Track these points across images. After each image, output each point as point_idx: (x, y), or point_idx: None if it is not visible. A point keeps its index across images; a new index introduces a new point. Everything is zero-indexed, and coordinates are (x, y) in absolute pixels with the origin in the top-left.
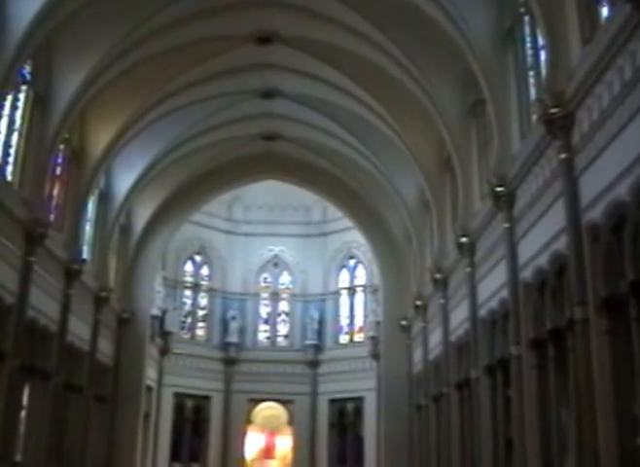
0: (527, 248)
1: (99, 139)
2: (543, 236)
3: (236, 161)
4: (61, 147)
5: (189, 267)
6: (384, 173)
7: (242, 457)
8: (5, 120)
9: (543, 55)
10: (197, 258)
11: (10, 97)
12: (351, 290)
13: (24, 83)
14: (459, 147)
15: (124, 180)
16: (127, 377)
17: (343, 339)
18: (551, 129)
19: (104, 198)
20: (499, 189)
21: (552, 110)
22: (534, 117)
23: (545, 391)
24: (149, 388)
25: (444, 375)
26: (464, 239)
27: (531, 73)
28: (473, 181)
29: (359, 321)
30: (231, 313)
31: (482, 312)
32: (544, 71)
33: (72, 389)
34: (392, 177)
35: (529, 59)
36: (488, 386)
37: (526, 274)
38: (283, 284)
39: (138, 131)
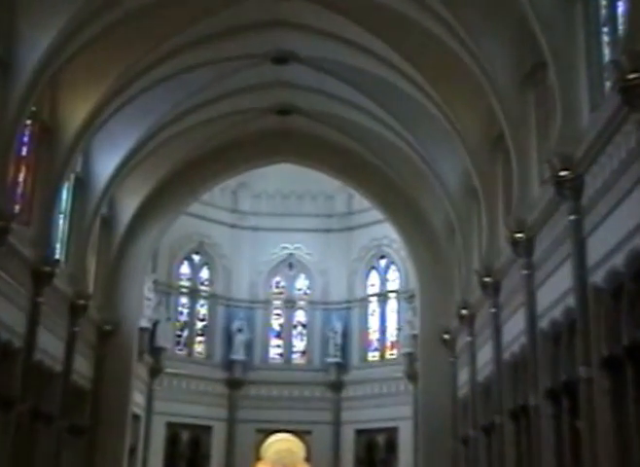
0: (599, 246)
1: (74, 113)
2: (618, 232)
3: (243, 141)
4: (28, 123)
5: (185, 268)
6: (422, 154)
7: None
8: None
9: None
10: (196, 258)
11: None
12: (382, 297)
13: None
14: (514, 122)
15: (105, 163)
16: (110, 403)
17: (373, 356)
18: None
19: (81, 185)
20: (563, 173)
21: (631, 76)
22: (608, 83)
23: (622, 422)
24: (136, 417)
25: (497, 400)
26: (519, 235)
27: (605, 29)
28: (530, 163)
29: (391, 335)
30: (236, 325)
31: (543, 324)
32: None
33: (40, 418)
34: (431, 159)
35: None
36: (551, 415)
37: (597, 278)
38: (299, 290)
39: (123, 104)
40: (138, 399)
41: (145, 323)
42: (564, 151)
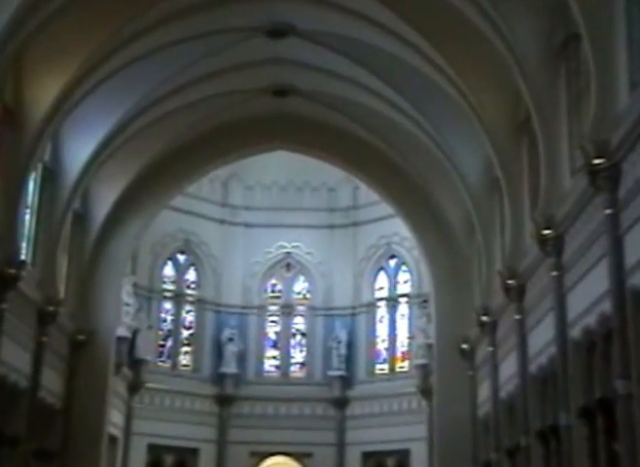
0: (638, 244)
1: (42, 94)
2: None
3: (234, 126)
4: None
5: (169, 270)
6: (437, 140)
7: None
8: None
9: None
10: (181, 258)
11: None
12: (392, 301)
13: None
14: (542, 102)
15: (77, 151)
16: (83, 423)
17: (381, 368)
18: None
19: (50, 177)
20: (598, 161)
21: None
22: None
23: None
24: (113, 439)
25: (523, 419)
26: (548, 232)
27: None
28: (561, 150)
29: (402, 344)
30: (226, 334)
31: (575, 333)
32: None
33: (3, 441)
34: (448, 146)
35: None
36: (585, 436)
37: (636, 280)
38: (298, 294)
39: (97, 84)
40: (115, 418)
41: (123, 332)
42: (599, 136)
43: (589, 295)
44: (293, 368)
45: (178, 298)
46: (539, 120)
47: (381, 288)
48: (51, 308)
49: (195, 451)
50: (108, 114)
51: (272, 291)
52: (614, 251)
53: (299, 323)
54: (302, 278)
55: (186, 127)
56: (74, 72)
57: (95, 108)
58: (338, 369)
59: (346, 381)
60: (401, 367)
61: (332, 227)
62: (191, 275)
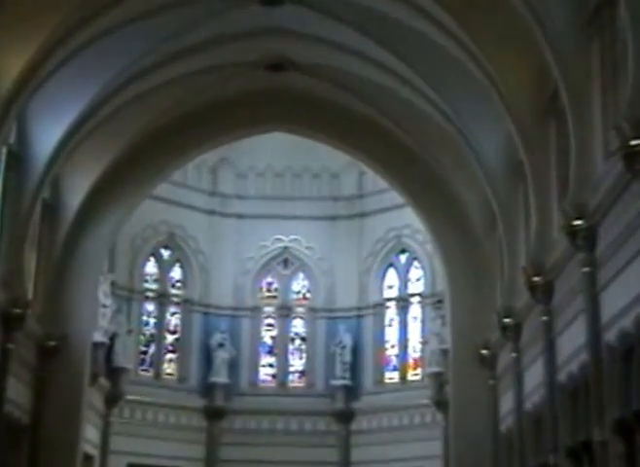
0: None
1: (4, 69)
2: None
3: (223, 104)
4: None
5: (151, 267)
6: (453, 120)
7: None
8: None
9: None
10: (165, 253)
11: None
12: (402, 302)
13: None
14: (572, 78)
15: (46, 133)
16: (54, 440)
17: (391, 377)
18: None
19: (16, 162)
20: (636, 142)
21: None
22: None
23: None
24: (88, 458)
25: (551, 435)
26: (579, 223)
27: None
28: (593, 131)
29: (415, 350)
30: (217, 339)
31: (610, 336)
32: None
33: None
34: (465, 127)
35: None
36: (621, 454)
37: None
38: (297, 293)
39: (68, 57)
40: (91, 435)
41: (100, 337)
42: (638, 114)
43: (626, 294)
44: (291, 377)
45: (162, 298)
46: (568, 96)
47: (391, 287)
48: (17, 311)
49: None
50: (80, 91)
51: (268, 290)
52: None
53: (298, 326)
54: (301, 276)
55: (168, 107)
56: (41, 44)
57: (66, 85)
58: (342, 378)
59: (351, 392)
60: (413, 375)
61: (334, 218)
62: (176, 273)
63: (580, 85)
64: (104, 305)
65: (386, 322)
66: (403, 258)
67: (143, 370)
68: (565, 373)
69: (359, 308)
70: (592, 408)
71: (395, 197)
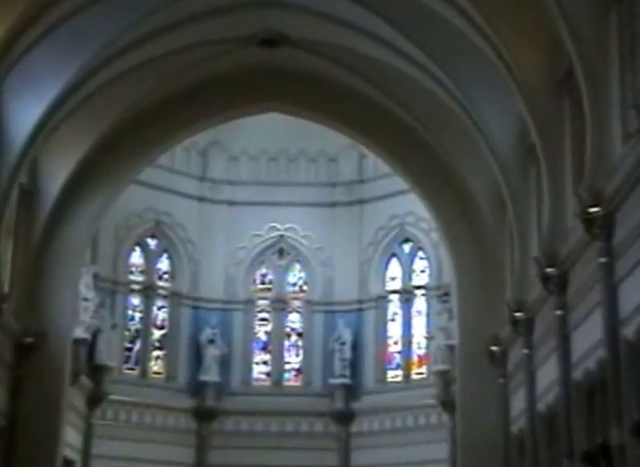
0: None
1: None
2: None
3: (214, 83)
4: None
5: (137, 258)
6: (460, 100)
7: None
8: None
9: None
10: (151, 243)
11: None
12: (406, 294)
13: None
14: (588, 52)
15: (23, 113)
16: (32, 444)
17: (394, 375)
18: None
19: None
20: None
21: None
22: None
23: None
24: (68, 462)
25: (566, 437)
26: (595, 209)
27: None
28: (611, 111)
29: (419, 346)
30: (207, 334)
31: (628, 332)
32: None
33: None
34: (473, 106)
35: None
36: None
37: None
38: (293, 285)
39: (47, 30)
40: (72, 438)
41: (81, 333)
42: None
43: None
44: (287, 375)
45: (148, 291)
46: (584, 74)
47: (393, 278)
48: None
49: None
50: (59, 71)
51: (262, 282)
52: None
53: (294, 321)
54: (297, 267)
55: (154, 86)
56: (17, 16)
57: (44, 65)
58: (342, 376)
59: (351, 391)
60: (417, 373)
61: (333, 205)
62: (163, 264)
63: (596, 61)
64: (86, 299)
65: (389, 316)
66: (406, 247)
67: (128, 368)
68: (581, 370)
69: (359, 302)
70: (610, 408)
71: (398, 182)
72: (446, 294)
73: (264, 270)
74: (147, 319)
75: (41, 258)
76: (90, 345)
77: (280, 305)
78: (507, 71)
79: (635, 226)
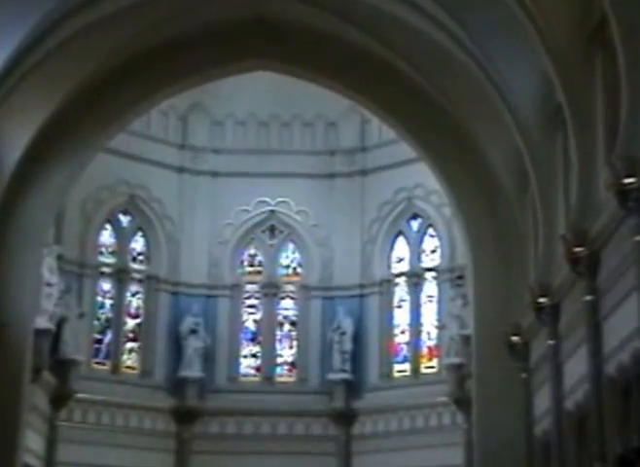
0: None
1: None
2: None
3: (195, 37)
4: None
5: (107, 237)
6: (478, 59)
7: None
8: None
9: None
10: (124, 220)
11: None
12: (414, 278)
13: None
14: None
15: None
16: None
17: (401, 370)
18: None
19: None
20: None
21: None
22: None
23: None
24: None
25: (597, 439)
26: (631, 180)
27: None
28: None
29: (430, 336)
30: (188, 324)
31: None
32: None
33: None
34: (495, 68)
35: None
36: None
37: None
38: (287, 268)
39: None
40: (33, 443)
41: (44, 323)
42: None
43: None
44: (279, 370)
45: (120, 275)
46: (618, 25)
47: (400, 260)
48: None
49: None
50: (17, 21)
51: (250, 264)
52: None
53: (287, 308)
54: (290, 247)
55: (127, 40)
56: None
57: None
58: (342, 371)
59: (353, 389)
60: (427, 368)
61: (331, 176)
62: (137, 244)
63: (633, 8)
64: (49, 284)
65: (395, 303)
66: (415, 224)
67: (97, 362)
68: (614, 364)
69: (362, 286)
70: None
71: (405, 150)
72: (460, 277)
73: (252, 251)
74: (119, 307)
75: None
76: (55, 337)
77: (271, 291)
78: (531, 25)
79: None
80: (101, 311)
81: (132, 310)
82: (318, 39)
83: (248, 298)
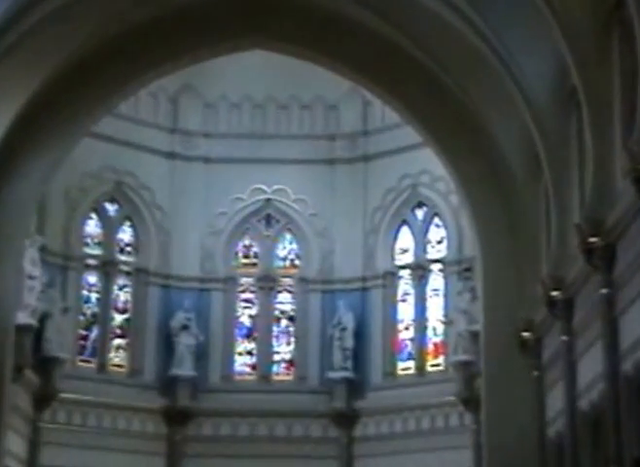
0: None
1: None
2: None
3: (186, 13)
4: None
5: (93, 227)
6: (490, 40)
7: None
8: None
9: None
10: (111, 209)
11: None
12: (419, 270)
13: None
14: None
15: None
16: None
17: (405, 368)
18: None
19: None
20: None
21: None
22: None
23: None
24: None
25: (614, 442)
26: None
27: None
28: None
29: (436, 332)
30: (179, 319)
31: None
32: None
33: None
34: (505, 47)
35: None
36: None
37: None
38: (284, 260)
39: None
40: (15, 446)
41: (26, 318)
42: None
43: None
44: (276, 368)
45: (107, 267)
46: (635, 3)
47: (404, 251)
48: None
49: None
50: None
51: (245, 256)
52: None
53: (284, 302)
54: (288, 237)
55: (114, 14)
56: None
57: None
58: (343, 369)
59: (354, 387)
60: (433, 366)
61: (332, 162)
62: (125, 235)
63: None
64: (31, 277)
65: (399, 297)
66: (420, 213)
67: (83, 360)
68: (631, 361)
69: (363, 279)
70: None
71: (410, 134)
72: (468, 269)
73: (247, 242)
74: (106, 301)
75: None
76: (37, 333)
77: (268, 284)
78: (544, 2)
79: None
80: (87, 306)
81: (120, 305)
82: (318, 16)
83: (243, 291)
